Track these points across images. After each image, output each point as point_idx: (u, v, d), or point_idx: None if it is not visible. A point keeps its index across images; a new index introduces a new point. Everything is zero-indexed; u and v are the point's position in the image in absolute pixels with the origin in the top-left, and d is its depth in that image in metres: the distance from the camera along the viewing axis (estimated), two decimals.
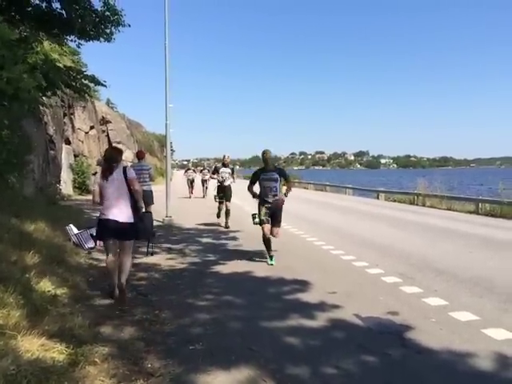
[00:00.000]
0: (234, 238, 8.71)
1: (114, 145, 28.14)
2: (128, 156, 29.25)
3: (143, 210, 5.12)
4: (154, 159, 39.90)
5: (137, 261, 6.50)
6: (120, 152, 4.95)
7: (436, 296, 4.75)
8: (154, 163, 32.85)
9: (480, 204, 14.06)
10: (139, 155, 9.71)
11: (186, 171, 22.06)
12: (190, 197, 19.95)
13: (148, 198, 8.42)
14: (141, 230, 4.73)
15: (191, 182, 21.21)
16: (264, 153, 6.58)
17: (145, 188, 7.96)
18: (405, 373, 3.03)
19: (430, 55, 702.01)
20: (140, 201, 4.74)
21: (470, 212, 14.05)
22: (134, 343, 3.38)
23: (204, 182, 20.73)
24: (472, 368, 3.09)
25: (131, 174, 4.63)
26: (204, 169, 21.65)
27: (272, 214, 6.51)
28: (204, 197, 19.68)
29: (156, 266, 6.15)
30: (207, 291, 4.95)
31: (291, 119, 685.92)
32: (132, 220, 4.55)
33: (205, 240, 8.54)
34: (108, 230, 4.53)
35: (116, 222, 4.45)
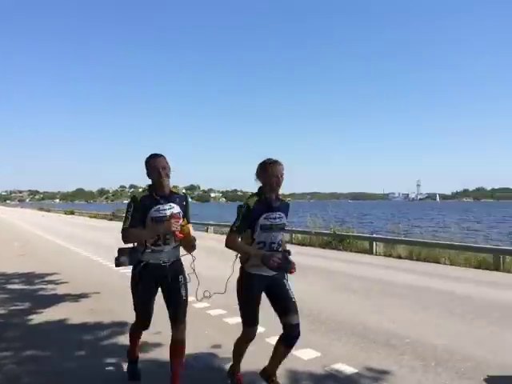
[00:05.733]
0: (52, 282, 7.71)
1: None
2: None
3: None
4: None
5: None
6: None
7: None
8: None
9: (293, 234, 15.94)
10: None
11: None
12: None
13: None
14: None
15: None
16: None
17: None
18: None
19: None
20: None
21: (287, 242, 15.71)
22: None
23: None
24: None
25: None
26: None
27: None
28: None
29: None
30: (5, 348, 4.19)
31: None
32: None
33: (14, 286, 7.34)
34: None
35: None
